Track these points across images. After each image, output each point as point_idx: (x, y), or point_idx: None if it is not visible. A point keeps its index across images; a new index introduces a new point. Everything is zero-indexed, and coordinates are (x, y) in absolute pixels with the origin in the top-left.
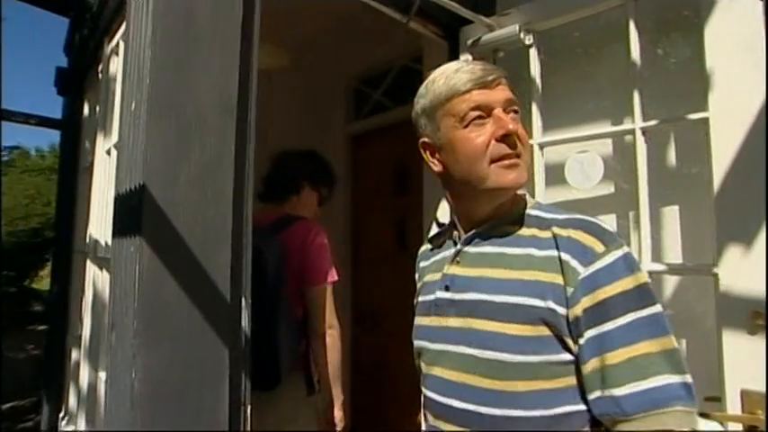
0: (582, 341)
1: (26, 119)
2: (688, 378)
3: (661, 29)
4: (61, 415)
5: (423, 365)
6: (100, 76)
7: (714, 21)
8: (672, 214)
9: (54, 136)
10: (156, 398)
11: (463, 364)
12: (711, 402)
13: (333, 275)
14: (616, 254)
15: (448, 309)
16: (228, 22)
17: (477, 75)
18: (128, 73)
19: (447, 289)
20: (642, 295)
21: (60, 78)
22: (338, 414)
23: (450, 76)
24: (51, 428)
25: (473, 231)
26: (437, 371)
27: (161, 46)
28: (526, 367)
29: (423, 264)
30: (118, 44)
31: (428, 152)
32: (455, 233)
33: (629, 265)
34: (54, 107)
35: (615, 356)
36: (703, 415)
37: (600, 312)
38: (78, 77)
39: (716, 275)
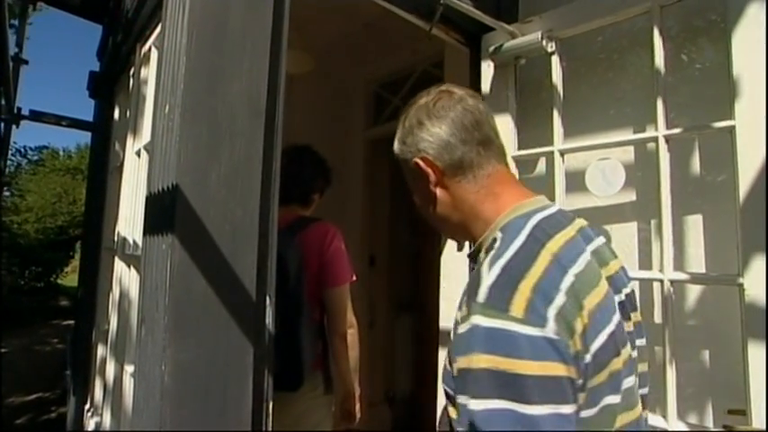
0: None
1: (57, 120)
2: None
3: (685, 36)
4: (87, 407)
5: None
6: (131, 80)
7: (742, 27)
8: (695, 223)
9: (81, 137)
10: (184, 391)
11: None
12: (735, 416)
13: (351, 276)
14: (471, 320)
15: None
16: (259, 29)
17: None
18: (162, 78)
19: None
20: (468, 382)
21: (93, 82)
22: (357, 405)
23: None
24: (77, 420)
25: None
26: None
27: (195, 53)
28: None
29: None
30: (150, 49)
31: None
32: None
33: (472, 339)
34: (85, 110)
35: None
36: (727, 427)
37: (458, 382)
38: (110, 81)
39: (741, 285)
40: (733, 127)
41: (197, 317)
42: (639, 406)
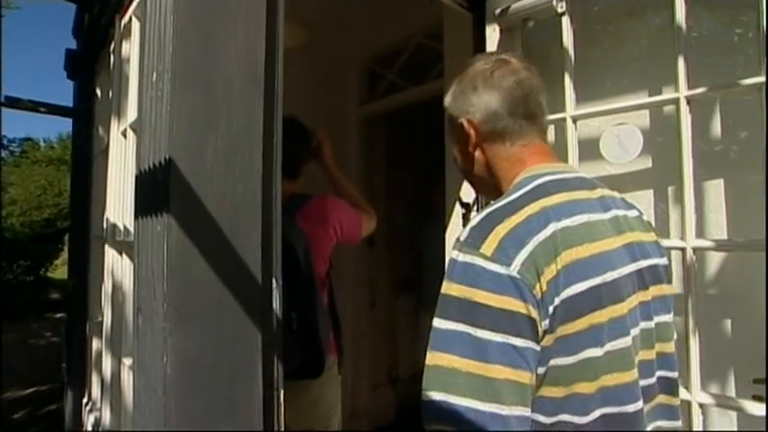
0: None
1: (35, 106)
2: (436, 396)
3: (703, 3)
4: (84, 401)
5: None
6: (112, 56)
7: None
8: (715, 189)
9: (63, 126)
10: (189, 383)
11: None
12: (760, 385)
13: (360, 221)
14: (452, 254)
15: None
16: None
17: None
18: (147, 43)
19: None
20: (440, 304)
21: (70, 62)
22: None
23: None
24: (76, 416)
25: None
26: None
27: (184, 11)
28: None
29: None
30: (131, 20)
31: None
32: None
33: (451, 270)
34: (65, 97)
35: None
36: (757, 397)
37: (437, 305)
38: (89, 60)
39: None
40: (762, 83)
41: (199, 303)
42: (634, 372)
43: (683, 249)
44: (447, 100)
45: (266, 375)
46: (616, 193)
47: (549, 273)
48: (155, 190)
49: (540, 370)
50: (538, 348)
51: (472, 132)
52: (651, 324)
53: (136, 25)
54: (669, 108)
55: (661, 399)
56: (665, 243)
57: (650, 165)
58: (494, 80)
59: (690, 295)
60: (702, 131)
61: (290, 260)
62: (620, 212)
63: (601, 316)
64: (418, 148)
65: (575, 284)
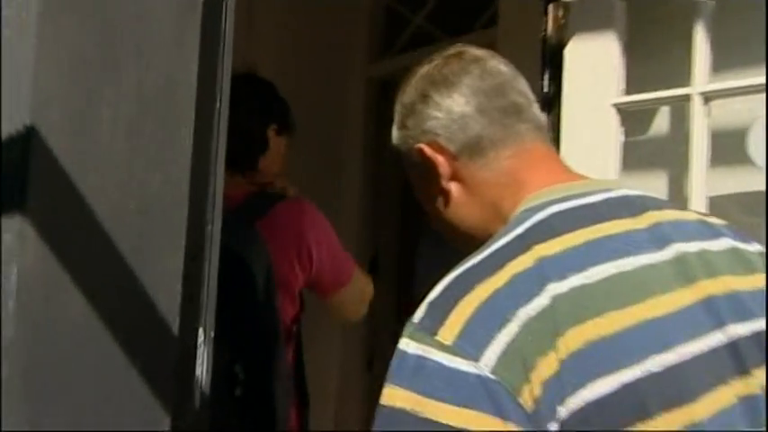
0: None
1: None
2: None
3: None
4: None
5: None
6: None
7: None
8: None
9: None
10: None
11: None
12: None
13: (349, 258)
14: (400, 342)
15: None
16: None
17: None
18: None
19: None
20: (377, 420)
21: None
22: None
23: None
24: None
25: None
26: None
27: None
28: None
29: None
30: None
31: None
32: None
33: (395, 367)
34: None
35: None
36: None
37: None
38: None
39: None
40: None
41: (66, 366)
42: None
43: None
44: (394, 134)
45: None
46: (690, 214)
47: (547, 367)
48: (7, 177)
49: None
50: None
51: (439, 158)
52: None
53: None
54: None
55: None
56: None
57: None
58: (447, 77)
59: None
60: None
61: (244, 286)
62: (693, 246)
63: (652, 426)
64: None
65: (592, 383)
